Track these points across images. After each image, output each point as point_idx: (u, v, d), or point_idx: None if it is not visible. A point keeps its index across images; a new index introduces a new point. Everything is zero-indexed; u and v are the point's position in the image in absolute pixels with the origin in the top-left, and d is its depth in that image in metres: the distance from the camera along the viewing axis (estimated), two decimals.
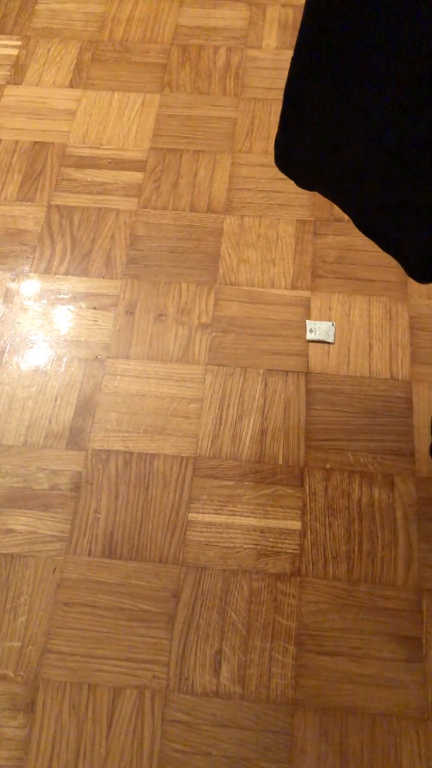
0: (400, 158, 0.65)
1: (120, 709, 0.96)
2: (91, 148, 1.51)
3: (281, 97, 1.61)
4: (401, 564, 1.05)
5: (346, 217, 1.40)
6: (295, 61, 0.66)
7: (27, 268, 1.35)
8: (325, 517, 1.09)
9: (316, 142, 0.72)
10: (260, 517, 1.09)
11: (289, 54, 1.65)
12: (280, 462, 1.13)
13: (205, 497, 1.11)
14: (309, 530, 1.08)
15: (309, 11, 0.62)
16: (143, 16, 1.74)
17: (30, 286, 1.33)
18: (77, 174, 1.47)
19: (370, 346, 1.24)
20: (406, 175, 0.66)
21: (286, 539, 1.07)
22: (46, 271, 1.35)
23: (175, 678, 0.98)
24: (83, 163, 1.49)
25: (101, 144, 1.52)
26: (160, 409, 1.19)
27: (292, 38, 1.69)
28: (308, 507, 1.10)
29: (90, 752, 0.94)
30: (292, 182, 1.45)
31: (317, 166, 0.75)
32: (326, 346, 1.25)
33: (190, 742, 0.94)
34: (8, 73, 1.64)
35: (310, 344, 1.25)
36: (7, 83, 1.62)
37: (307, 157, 0.75)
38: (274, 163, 1.47)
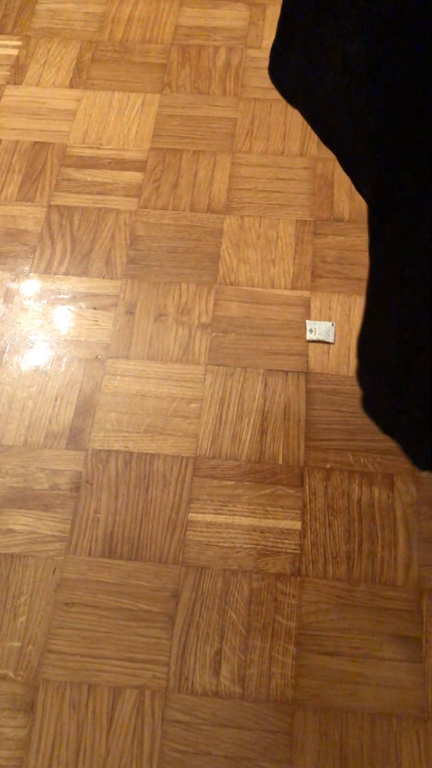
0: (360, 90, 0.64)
1: (120, 709, 0.96)
2: (91, 148, 1.51)
3: (281, 97, 1.61)
4: (401, 564, 1.05)
5: (346, 216, 1.40)
6: None
7: (27, 268, 1.35)
8: (325, 517, 1.09)
9: (302, 58, 0.70)
10: (260, 517, 1.09)
11: None
12: (280, 462, 1.14)
13: (205, 497, 1.11)
14: (309, 530, 1.08)
15: None
16: (143, 16, 1.74)
17: (30, 286, 1.33)
18: (77, 174, 1.47)
19: None
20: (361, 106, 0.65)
21: (286, 539, 1.07)
22: (46, 271, 1.35)
23: (175, 678, 0.98)
24: (83, 163, 1.49)
25: (101, 144, 1.52)
26: (160, 409, 1.19)
27: None
28: (308, 507, 1.10)
29: (90, 752, 0.94)
30: (293, 182, 1.45)
31: (301, 81, 0.74)
32: (326, 346, 1.25)
33: (190, 742, 0.94)
34: (8, 73, 1.64)
35: (310, 344, 1.25)
36: (7, 83, 1.62)
37: (295, 71, 0.73)
38: (274, 164, 1.47)
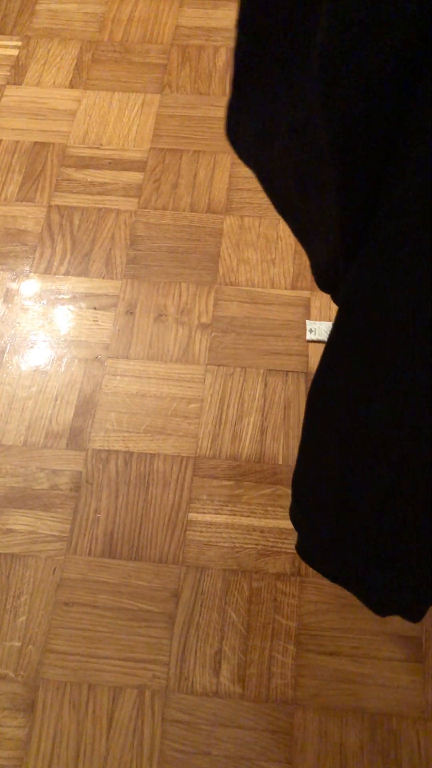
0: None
1: (120, 708, 0.96)
2: (91, 148, 1.51)
3: None
4: None
5: None
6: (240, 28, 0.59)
7: (27, 268, 1.35)
8: None
9: (255, 119, 0.66)
10: (260, 517, 1.09)
11: None
12: (280, 462, 1.14)
13: (205, 497, 1.11)
14: None
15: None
16: (143, 16, 1.74)
17: (30, 286, 1.33)
18: (77, 174, 1.47)
19: None
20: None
21: (286, 539, 1.07)
22: (46, 272, 1.35)
23: (175, 678, 0.98)
24: (83, 163, 1.49)
25: (101, 144, 1.52)
26: (160, 409, 1.19)
27: None
28: None
29: (90, 752, 0.94)
30: None
31: (254, 144, 0.70)
32: None
33: (190, 742, 0.94)
34: (8, 74, 1.64)
35: (310, 344, 1.25)
36: (7, 83, 1.62)
37: (249, 132, 0.69)
38: None
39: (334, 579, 0.77)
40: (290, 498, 0.77)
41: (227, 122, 0.70)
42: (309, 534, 0.75)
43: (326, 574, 0.77)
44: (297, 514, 0.76)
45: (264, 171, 0.73)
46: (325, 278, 0.76)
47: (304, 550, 0.78)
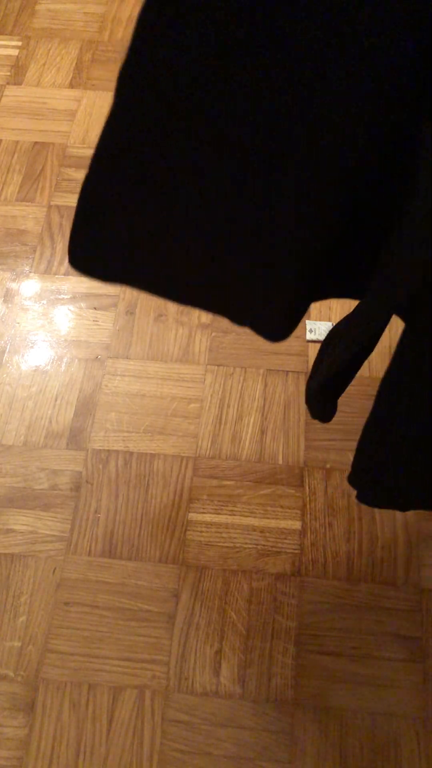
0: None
1: (120, 708, 0.96)
2: (91, 148, 1.51)
3: None
4: (401, 564, 1.05)
5: None
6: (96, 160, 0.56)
7: (27, 268, 1.35)
8: (325, 517, 1.09)
9: (128, 230, 0.62)
10: (260, 517, 1.09)
11: None
12: (280, 462, 1.14)
13: (205, 497, 1.11)
14: (309, 530, 1.08)
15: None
16: None
17: (30, 286, 1.33)
18: (77, 174, 1.47)
19: None
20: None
21: (286, 539, 1.07)
22: (47, 272, 1.35)
23: (175, 678, 0.98)
24: (83, 163, 1.49)
25: None
26: (160, 409, 1.19)
27: None
28: (308, 507, 1.10)
29: (90, 752, 0.94)
30: None
31: (133, 256, 0.66)
32: None
33: (190, 742, 0.94)
34: (8, 74, 1.64)
35: (310, 344, 1.25)
36: (7, 83, 1.62)
37: (118, 248, 0.65)
38: None
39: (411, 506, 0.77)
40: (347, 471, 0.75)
41: (74, 253, 0.66)
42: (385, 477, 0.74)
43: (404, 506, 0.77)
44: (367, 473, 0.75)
45: (152, 282, 0.69)
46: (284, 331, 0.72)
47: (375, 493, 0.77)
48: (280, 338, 0.69)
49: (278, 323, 0.67)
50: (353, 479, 0.77)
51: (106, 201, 0.59)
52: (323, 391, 0.74)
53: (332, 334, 0.72)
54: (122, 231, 0.63)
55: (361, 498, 0.79)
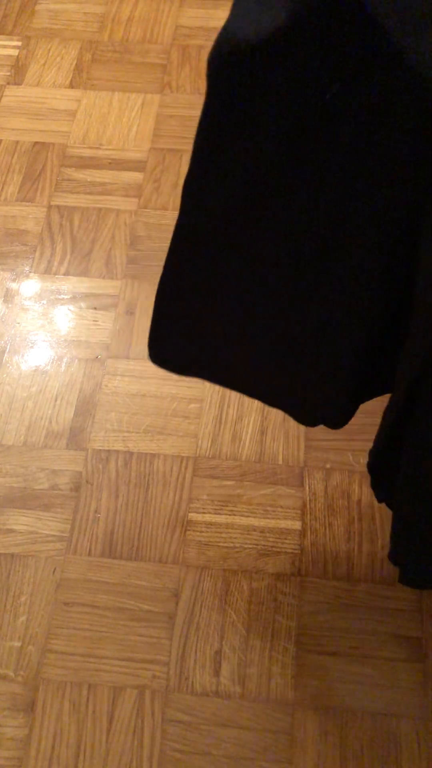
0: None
1: (120, 708, 0.96)
2: (91, 148, 1.51)
3: None
4: None
5: None
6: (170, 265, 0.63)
7: (27, 268, 1.35)
8: (325, 517, 1.09)
9: (199, 333, 0.70)
10: (260, 517, 1.09)
11: None
12: (280, 462, 1.14)
13: (205, 497, 1.11)
14: (309, 530, 1.08)
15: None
16: (143, 16, 1.74)
17: (30, 286, 1.33)
18: (77, 174, 1.47)
19: None
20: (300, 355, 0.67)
21: (286, 539, 1.07)
22: (47, 272, 1.35)
23: (175, 678, 0.98)
24: (83, 163, 1.49)
25: (101, 144, 1.52)
26: (160, 409, 1.19)
27: None
28: (308, 507, 1.10)
29: (90, 752, 0.94)
30: None
31: (203, 353, 0.73)
32: None
33: (190, 742, 0.94)
34: (8, 74, 1.64)
35: None
36: (7, 83, 1.62)
37: (190, 347, 0.72)
38: None
39: None
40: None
41: (155, 352, 0.73)
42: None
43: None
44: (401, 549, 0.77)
45: (221, 376, 0.76)
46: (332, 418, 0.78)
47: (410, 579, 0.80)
48: (340, 426, 0.78)
49: (336, 415, 0.76)
50: (393, 554, 0.78)
51: (179, 302, 0.66)
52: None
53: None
54: (195, 331, 0.70)
55: (403, 578, 0.81)
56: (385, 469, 0.75)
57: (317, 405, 0.74)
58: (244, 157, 0.50)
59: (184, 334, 0.70)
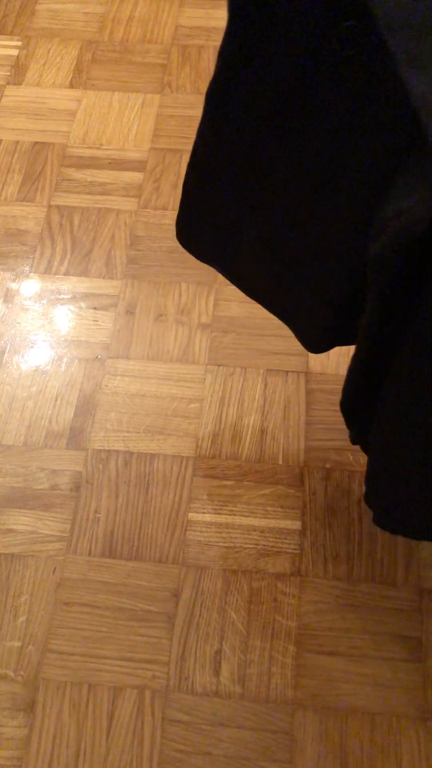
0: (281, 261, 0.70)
1: (120, 708, 0.96)
2: (91, 148, 1.51)
3: None
4: (401, 564, 1.05)
5: None
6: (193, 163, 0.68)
7: (27, 268, 1.35)
8: (325, 517, 1.09)
9: (214, 228, 0.75)
10: (260, 517, 1.09)
11: None
12: (280, 462, 1.14)
13: (205, 497, 1.11)
14: (309, 530, 1.08)
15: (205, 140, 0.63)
16: (143, 16, 1.74)
17: (30, 286, 1.33)
18: (77, 174, 1.47)
19: None
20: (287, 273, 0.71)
21: (286, 539, 1.07)
22: (47, 272, 1.35)
23: (175, 678, 0.98)
24: (83, 163, 1.49)
25: (101, 144, 1.52)
26: (160, 409, 1.19)
27: None
28: (308, 507, 1.10)
29: (90, 752, 0.94)
30: None
31: (216, 247, 0.79)
32: None
33: (190, 742, 0.94)
34: (8, 74, 1.64)
35: None
36: (7, 83, 1.62)
37: (207, 237, 0.78)
38: None
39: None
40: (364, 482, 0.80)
41: (178, 232, 0.79)
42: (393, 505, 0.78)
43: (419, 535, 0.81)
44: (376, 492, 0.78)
45: (229, 271, 0.81)
46: (318, 346, 0.82)
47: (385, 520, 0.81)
48: (313, 351, 0.82)
49: (314, 341, 0.80)
50: (368, 496, 0.79)
51: (199, 197, 0.72)
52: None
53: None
54: (206, 228, 0.75)
55: (377, 520, 0.81)
56: (358, 409, 0.76)
57: (304, 325, 0.78)
58: (267, 69, 0.53)
59: (204, 224, 0.75)
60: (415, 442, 0.62)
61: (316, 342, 0.79)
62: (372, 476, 0.76)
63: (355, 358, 0.64)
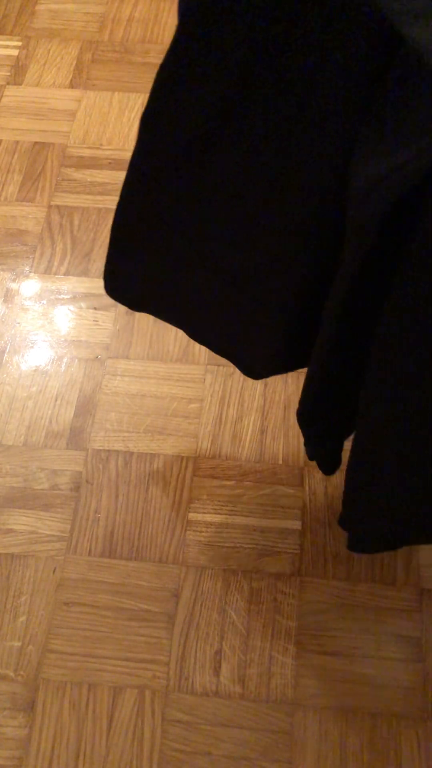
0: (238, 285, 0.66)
1: (120, 708, 0.96)
2: (91, 148, 1.51)
3: None
4: (401, 564, 1.05)
5: None
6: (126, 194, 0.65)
7: (27, 268, 1.35)
8: (325, 517, 1.09)
9: (152, 267, 0.71)
10: (260, 517, 1.09)
11: None
12: (280, 462, 1.14)
13: (205, 497, 1.11)
14: (309, 530, 1.08)
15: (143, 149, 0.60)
16: (143, 16, 1.74)
17: (30, 286, 1.33)
18: (77, 174, 1.47)
19: None
20: (243, 298, 0.68)
21: (286, 539, 1.07)
22: (47, 272, 1.35)
23: (175, 678, 0.98)
24: (83, 163, 1.49)
25: (101, 144, 1.52)
26: (160, 409, 1.19)
27: None
28: (308, 507, 1.10)
29: (90, 752, 0.94)
30: None
31: (150, 291, 0.75)
32: None
33: (190, 742, 0.94)
34: (8, 74, 1.64)
35: None
36: (7, 83, 1.62)
37: (142, 281, 0.74)
38: None
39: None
40: (341, 501, 0.79)
41: (109, 284, 0.74)
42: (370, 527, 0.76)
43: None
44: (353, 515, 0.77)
45: (171, 314, 0.78)
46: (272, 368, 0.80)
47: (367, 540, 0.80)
48: (255, 377, 0.80)
49: (261, 366, 0.77)
50: (344, 520, 0.78)
51: (131, 235, 0.67)
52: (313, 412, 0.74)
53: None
54: (143, 268, 0.70)
55: (354, 544, 0.80)
56: (317, 421, 0.75)
57: (259, 355, 0.75)
58: (203, 89, 0.52)
59: (137, 269, 0.71)
60: (398, 432, 0.61)
61: (263, 362, 0.76)
62: (351, 498, 0.75)
63: (317, 356, 0.62)
